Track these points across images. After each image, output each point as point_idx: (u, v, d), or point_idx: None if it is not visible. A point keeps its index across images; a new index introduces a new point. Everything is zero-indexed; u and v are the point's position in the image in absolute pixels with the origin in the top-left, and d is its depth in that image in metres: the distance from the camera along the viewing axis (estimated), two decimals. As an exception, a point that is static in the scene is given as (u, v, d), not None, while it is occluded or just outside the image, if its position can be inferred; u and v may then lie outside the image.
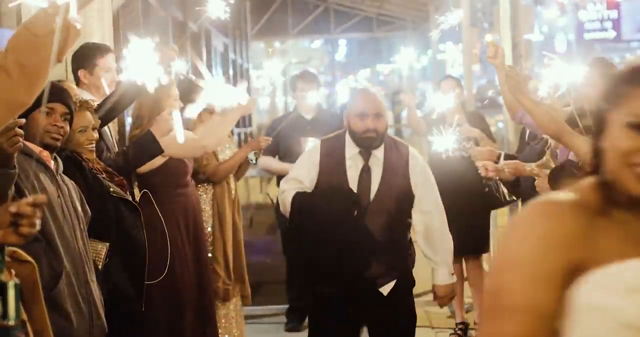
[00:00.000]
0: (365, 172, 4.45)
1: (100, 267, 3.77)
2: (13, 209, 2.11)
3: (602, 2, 45.02)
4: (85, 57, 4.77)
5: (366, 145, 4.45)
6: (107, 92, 4.75)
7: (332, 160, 4.47)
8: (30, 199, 2.14)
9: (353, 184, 4.40)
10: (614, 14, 45.23)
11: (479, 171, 5.59)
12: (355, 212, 4.33)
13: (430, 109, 7.07)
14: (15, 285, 2.15)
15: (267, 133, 6.56)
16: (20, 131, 3.01)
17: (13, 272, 2.23)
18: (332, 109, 6.76)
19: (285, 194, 4.48)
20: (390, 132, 22.22)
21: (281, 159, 6.65)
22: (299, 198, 4.41)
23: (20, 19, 5.41)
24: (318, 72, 50.99)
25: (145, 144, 4.49)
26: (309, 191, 4.46)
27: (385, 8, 15.36)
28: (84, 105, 4.12)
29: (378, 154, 4.48)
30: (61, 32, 2.44)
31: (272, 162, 6.63)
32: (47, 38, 2.46)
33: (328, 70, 54.59)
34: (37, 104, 3.46)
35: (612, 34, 45.50)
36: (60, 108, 3.53)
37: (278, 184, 6.81)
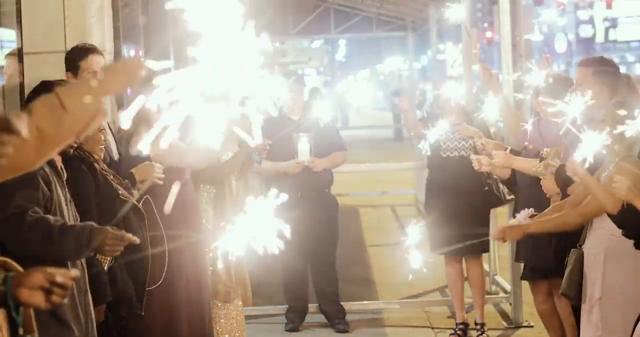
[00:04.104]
0: None
1: (105, 267, 3.77)
2: (59, 278, 2.12)
3: (602, 2, 45.03)
4: (69, 60, 4.80)
5: None
6: None
7: None
8: (72, 273, 2.15)
9: None
10: (613, 13, 45.23)
11: (473, 165, 5.60)
12: None
13: (432, 109, 7.10)
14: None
15: None
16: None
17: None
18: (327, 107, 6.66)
19: None
20: (390, 133, 22.29)
21: (268, 160, 6.46)
22: None
23: (20, 19, 5.41)
24: (318, 72, 51.00)
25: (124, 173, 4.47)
26: None
27: (385, 8, 15.33)
28: None
29: None
30: (88, 111, 2.39)
31: (265, 163, 6.42)
32: (74, 115, 2.37)
33: (328, 70, 54.59)
34: None
35: (611, 33, 45.53)
36: None
37: (266, 186, 6.82)
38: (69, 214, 3.42)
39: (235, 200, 5.77)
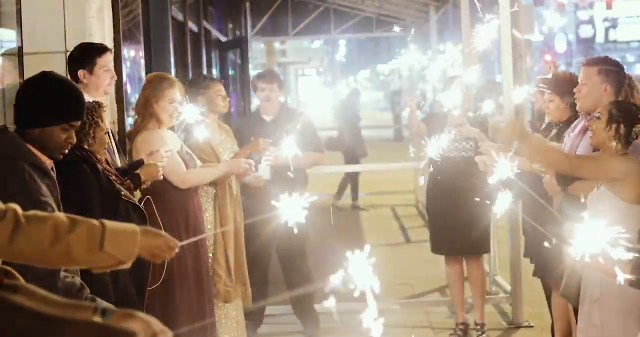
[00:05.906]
0: None
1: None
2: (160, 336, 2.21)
3: (602, 2, 44.99)
4: (85, 57, 4.75)
5: None
6: (107, 90, 4.78)
7: None
8: (169, 334, 2.24)
9: None
10: (613, 13, 45.23)
11: (479, 166, 5.60)
12: None
13: (431, 109, 7.08)
14: None
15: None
16: None
17: None
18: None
19: None
20: (390, 132, 22.17)
21: None
22: None
23: (20, 19, 5.41)
24: (318, 72, 50.90)
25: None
26: None
27: (385, 8, 15.33)
28: (102, 106, 4.18)
29: None
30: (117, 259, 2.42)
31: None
32: (106, 255, 2.39)
33: (328, 70, 54.55)
34: (62, 120, 3.45)
35: (611, 34, 45.53)
36: (78, 124, 3.55)
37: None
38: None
39: (235, 200, 5.76)
